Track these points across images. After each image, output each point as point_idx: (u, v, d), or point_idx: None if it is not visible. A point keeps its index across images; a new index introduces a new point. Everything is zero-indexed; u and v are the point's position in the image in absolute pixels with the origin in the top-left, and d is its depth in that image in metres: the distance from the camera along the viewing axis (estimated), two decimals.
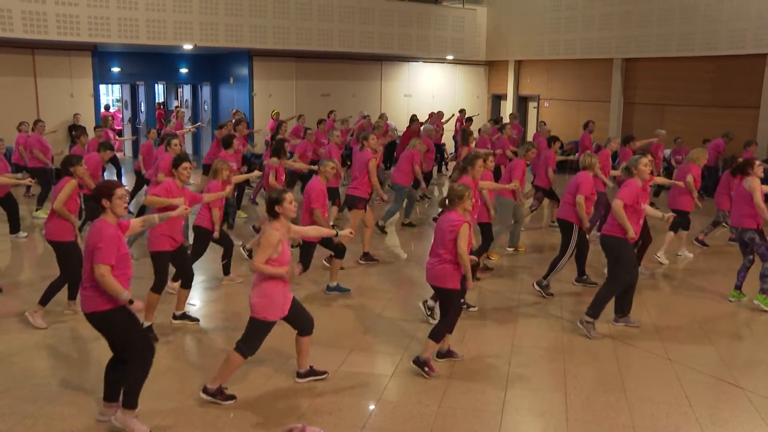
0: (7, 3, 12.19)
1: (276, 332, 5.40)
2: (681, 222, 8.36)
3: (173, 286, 6.55)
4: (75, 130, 13.41)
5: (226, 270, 7.35)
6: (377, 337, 5.92)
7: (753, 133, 13.31)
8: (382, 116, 14.57)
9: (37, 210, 10.47)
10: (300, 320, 4.75)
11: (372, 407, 4.67)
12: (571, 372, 5.23)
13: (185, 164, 5.92)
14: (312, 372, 4.98)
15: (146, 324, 5.68)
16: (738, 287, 6.96)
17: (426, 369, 5.08)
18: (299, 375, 4.97)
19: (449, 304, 5.10)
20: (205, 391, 4.60)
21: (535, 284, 7.11)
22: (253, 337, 4.55)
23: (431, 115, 15.54)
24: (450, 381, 5.03)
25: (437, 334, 5.08)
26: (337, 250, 6.87)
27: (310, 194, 6.69)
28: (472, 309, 6.52)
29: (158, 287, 5.77)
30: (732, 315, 6.67)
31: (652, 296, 7.13)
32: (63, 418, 4.33)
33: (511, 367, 5.30)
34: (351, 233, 5.23)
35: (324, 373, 4.99)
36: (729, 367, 5.38)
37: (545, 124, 14.47)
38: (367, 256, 8.27)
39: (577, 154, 10.69)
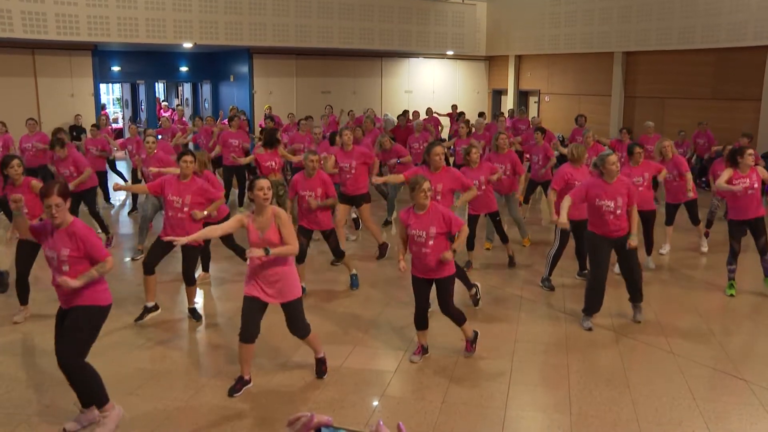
0: (7, 3, 12.19)
1: (276, 331, 5.42)
2: (669, 216, 8.36)
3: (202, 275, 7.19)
4: (76, 131, 13.44)
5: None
6: (380, 333, 5.92)
7: (754, 125, 13.29)
8: (368, 112, 14.45)
9: None
10: (287, 322, 4.81)
11: (375, 403, 4.67)
12: (574, 366, 5.23)
13: (186, 157, 5.97)
14: (317, 363, 5.02)
15: (147, 305, 6.07)
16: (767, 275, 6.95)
17: (413, 354, 5.36)
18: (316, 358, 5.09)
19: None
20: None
21: (540, 283, 7.19)
22: (241, 313, 4.67)
23: (415, 113, 15.34)
24: (453, 377, 5.04)
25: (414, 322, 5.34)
26: (332, 250, 6.93)
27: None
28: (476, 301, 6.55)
29: (144, 267, 6.03)
30: (735, 307, 6.66)
31: (654, 290, 7.12)
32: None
33: (513, 362, 5.30)
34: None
35: (321, 374, 4.99)
36: (732, 359, 5.37)
37: (536, 117, 14.60)
38: (382, 247, 8.17)
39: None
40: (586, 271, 7.37)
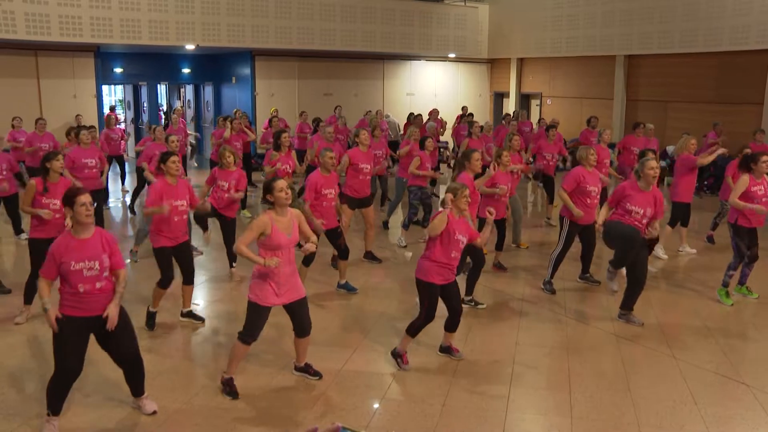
0: (10, 5, 12.21)
1: (278, 331, 5.43)
2: (681, 216, 8.36)
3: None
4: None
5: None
6: (380, 336, 5.91)
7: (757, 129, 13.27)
8: (378, 113, 14.50)
9: None
10: (296, 321, 4.79)
11: (376, 406, 4.67)
12: (575, 370, 5.22)
13: (173, 158, 5.83)
14: (306, 369, 5.03)
15: (151, 311, 5.96)
16: (741, 283, 6.95)
17: (399, 361, 5.22)
18: (295, 368, 5.07)
19: (423, 298, 5.15)
20: (221, 380, 4.78)
21: (541, 286, 7.19)
22: (248, 320, 4.63)
23: (431, 113, 15.45)
24: (454, 380, 5.03)
25: (410, 328, 5.19)
26: (340, 250, 6.89)
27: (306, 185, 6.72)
28: (480, 306, 6.54)
29: (163, 283, 5.86)
30: (736, 312, 6.65)
31: (655, 294, 7.11)
32: (68, 417, 4.34)
33: (514, 366, 5.30)
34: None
35: (318, 375, 5.00)
36: (734, 364, 5.36)
37: (542, 120, 14.66)
38: (369, 255, 8.26)
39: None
40: (588, 275, 7.39)
